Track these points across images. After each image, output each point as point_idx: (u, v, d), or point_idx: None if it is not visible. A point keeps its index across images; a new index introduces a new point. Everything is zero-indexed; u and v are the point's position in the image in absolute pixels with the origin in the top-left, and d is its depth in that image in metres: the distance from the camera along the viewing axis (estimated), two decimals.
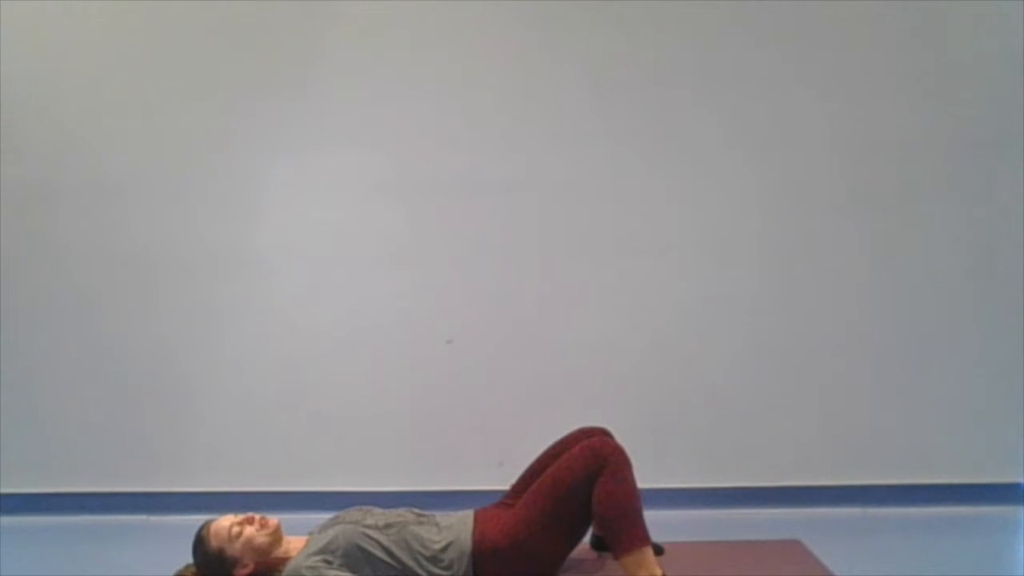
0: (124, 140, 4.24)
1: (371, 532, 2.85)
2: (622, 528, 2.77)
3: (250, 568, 2.85)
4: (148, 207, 4.25)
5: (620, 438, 2.99)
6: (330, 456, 4.23)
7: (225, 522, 2.86)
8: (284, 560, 2.86)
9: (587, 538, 3.07)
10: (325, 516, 3.06)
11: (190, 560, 2.90)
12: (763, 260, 4.20)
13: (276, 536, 2.89)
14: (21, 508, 4.25)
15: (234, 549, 2.82)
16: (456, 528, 2.90)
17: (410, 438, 4.23)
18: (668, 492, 3.94)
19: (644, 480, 2.89)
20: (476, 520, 2.94)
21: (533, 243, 4.22)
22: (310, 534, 2.97)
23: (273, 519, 2.91)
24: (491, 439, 4.15)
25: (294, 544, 2.91)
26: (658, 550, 2.98)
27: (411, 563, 2.82)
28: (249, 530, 2.85)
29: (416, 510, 3.03)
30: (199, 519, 2.94)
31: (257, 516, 2.90)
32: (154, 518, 4.23)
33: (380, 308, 4.24)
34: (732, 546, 3.37)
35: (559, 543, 2.91)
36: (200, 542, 2.86)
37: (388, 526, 2.89)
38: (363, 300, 4.24)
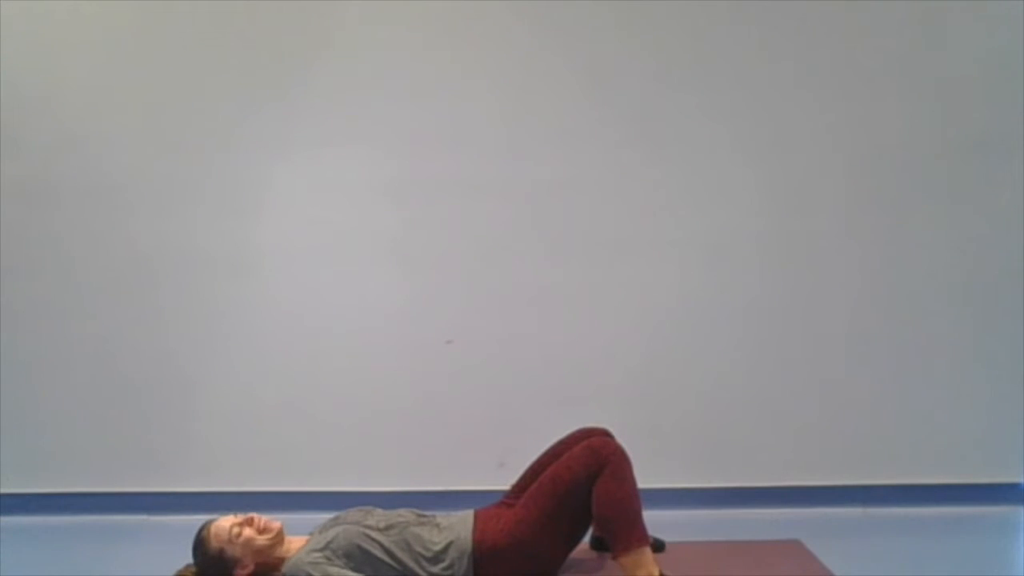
0: (125, 140, 4.23)
1: (372, 533, 2.85)
2: (621, 528, 2.78)
3: (250, 569, 2.85)
4: (148, 207, 4.24)
5: (620, 438, 2.99)
6: (330, 456, 4.23)
7: (225, 523, 2.86)
8: (284, 560, 2.86)
9: (587, 538, 3.08)
10: (325, 516, 3.07)
11: (190, 560, 2.90)
12: (763, 260, 4.20)
13: (278, 539, 2.89)
14: (21, 508, 4.25)
15: (234, 550, 2.83)
16: (456, 528, 2.91)
17: (410, 438, 4.23)
18: (668, 492, 3.94)
19: (644, 480, 2.89)
20: (476, 520, 2.94)
21: (533, 243, 4.22)
22: (310, 534, 2.97)
23: (276, 523, 2.91)
24: (491, 439, 4.15)
25: (294, 544, 2.92)
26: (660, 546, 2.99)
27: (412, 564, 2.83)
28: (249, 531, 2.85)
29: (416, 511, 3.03)
30: (199, 519, 2.95)
31: (257, 517, 2.90)
32: (154, 518, 4.23)
33: (380, 308, 4.24)
34: (732, 546, 3.38)
35: (559, 543, 2.91)
36: (200, 542, 2.86)
37: (389, 527, 2.89)
38: (363, 300, 4.24)
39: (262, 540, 2.85)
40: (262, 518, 2.91)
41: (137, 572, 3.51)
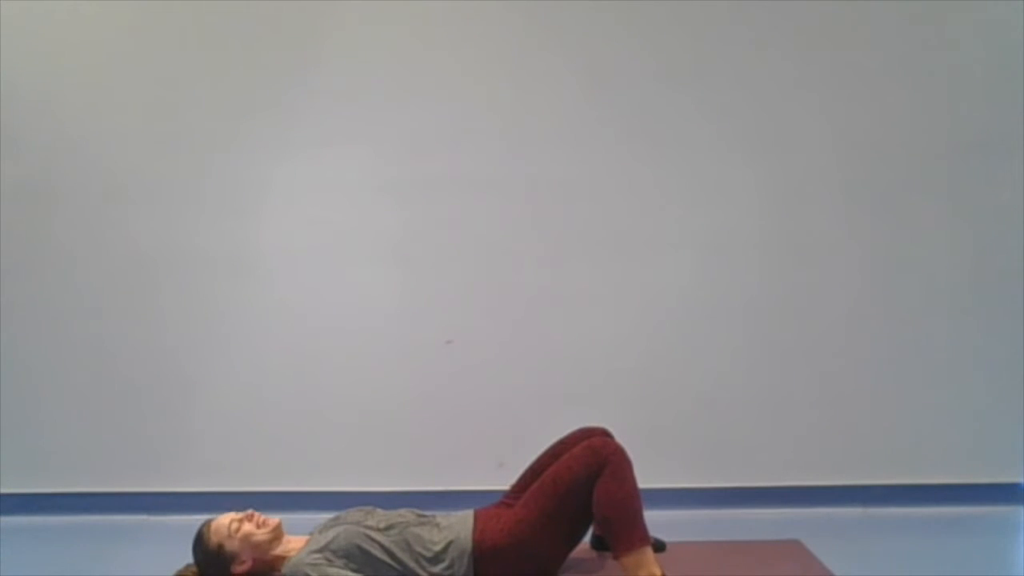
0: (125, 140, 4.23)
1: (372, 533, 2.85)
2: (622, 528, 2.77)
3: (248, 565, 2.85)
4: (148, 207, 4.25)
5: (620, 438, 2.99)
6: (330, 456, 4.23)
7: (225, 519, 2.88)
8: (283, 559, 2.86)
9: (587, 538, 3.08)
10: (325, 516, 3.06)
11: (189, 560, 2.90)
12: (763, 260, 4.20)
13: (276, 534, 2.90)
14: (21, 508, 4.25)
15: (233, 544, 2.83)
16: (456, 528, 2.90)
17: (410, 438, 4.23)
18: (668, 492, 3.94)
19: (644, 480, 2.89)
20: (476, 520, 2.94)
21: (533, 243, 4.22)
22: (310, 534, 2.97)
23: (274, 518, 2.92)
24: (491, 439, 4.15)
25: (294, 544, 2.92)
26: (660, 546, 2.99)
27: (412, 564, 2.82)
28: (248, 527, 2.86)
29: (416, 511, 3.03)
30: (199, 519, 2.95)
31: (257, 514, 2.91)
32: (153, 518, 4.23)
33: (380, 308, 4.24)
34: (732, 546, 3.38)
35: (559, 543, 2.91)
36: (200, 538, 2.87)
37: (389, 527, 2.89)
38: (363, 300, 4.24)
39: (260, 535, 2.86)
40: (261, 515, 2.92)
41: (137, 572, 3.52)
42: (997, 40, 4.09)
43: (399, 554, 2.83)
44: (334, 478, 4.15)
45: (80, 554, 3.88)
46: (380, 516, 2.95)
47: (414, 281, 4.24)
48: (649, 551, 2.78)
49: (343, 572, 2.75)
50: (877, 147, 4.16)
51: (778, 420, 4.20)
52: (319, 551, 2.79)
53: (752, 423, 4.21)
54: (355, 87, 4.18)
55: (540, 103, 4.19)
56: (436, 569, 2.83)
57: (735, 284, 4.19)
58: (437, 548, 2.85)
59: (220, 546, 2.83)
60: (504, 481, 3.16)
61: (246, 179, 4.23)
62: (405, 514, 2.98)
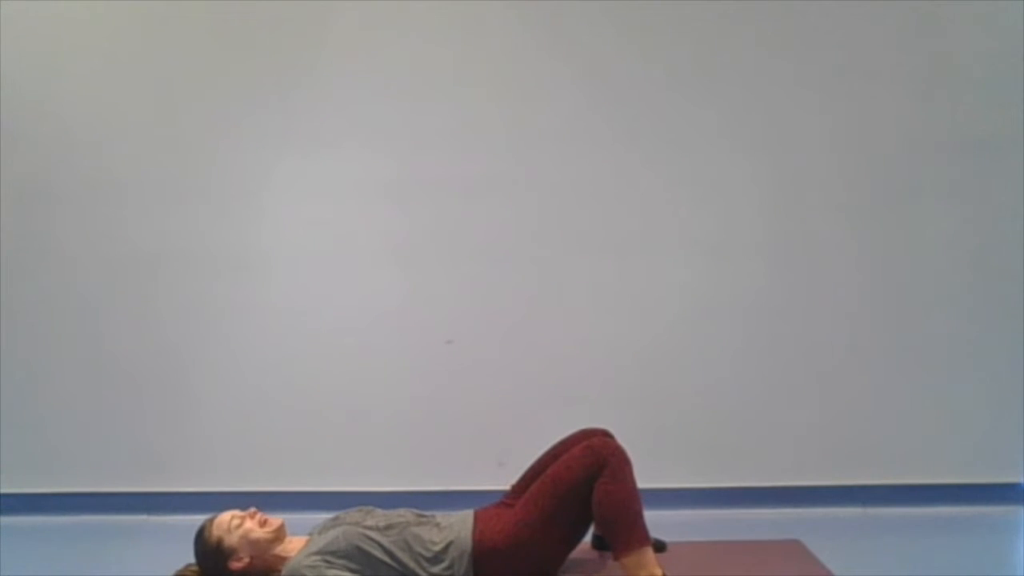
0: (125, 140, 4.24)
1: (371, 533, 2.85)
2: (622, 528, 2.77)
3: (245, 562, 2.84)
4: (148, 207, 4.25)
5: (620, 438, 2.99)
6: (330, 456, 4.24)
7: (227, 515, 2.88)
8: (283, 559, 2.86)
9: (588, 537, 3.08)
10: (325, 516, 3.06)
11: (189, 560, 2.90)
12: (763, 260, 4.20)
13: (277, 535, 2.89)
14: (21, 508, 4.25)
15: (232, 540, 2.83)
16: (456, 528, 2.90)
17: (410, 438, 4.24)
18: (668, 492, 3.94)
19: (644, 480, 2.89)
20: (476, 520, 2.94)
21: (533, 243, 4.23)
22: (310, 534, 2.97)
23: (277, 519, 2.92)
24: (491, 439, 4.15)
25: (294, 544, 2.91)
26: (661, 546, 2.99)
27: (411, 564, 2.82)
28: (249, 524, 2.86)
29: (416, 511, 3.03)
30: (199, 519, 2.94)
31: (260, 513, 2.91)
32: (153, 518, 4.23)
33: (380, 308, 4.24)
34: (732, 546, 3.37)
35: (559, 543, 2.91)
36: (202, 532, 2.87)
37: (389, 527, 2.89)
38: (363, 300, 4.24)
39: (261, 533, 2.85)
40: (264, 515, 2.92)
41: (137, 572, 3.52)
42: (997, 40, 4.09)
43: (399, 554, 2.83)
44: (334, 478, 4.15)
45: (80, 554, 3.88)
46: (379, 516, 2.95)
47: (414, 281, 4.24)
48: (649, 551, 2.78)
49: (342, 574, 2.75)
50: (877, 147, 4.16)
51: (778, 420, 4.20)
52: (317, 553, 2.79)
53: (752, 423, 4.21)
54: (355, 87, 4.19)
55: (541, 103, 4.19)
56: (436, 569, 2.83)
57: (735, 284, 4.19)
58: (437, 548, 2.85)
59: (220, 540, 2.83)
60: (504, 481, 3.16)
61: (246, 179, 4.23)
62: (405, 514, 2.97)
